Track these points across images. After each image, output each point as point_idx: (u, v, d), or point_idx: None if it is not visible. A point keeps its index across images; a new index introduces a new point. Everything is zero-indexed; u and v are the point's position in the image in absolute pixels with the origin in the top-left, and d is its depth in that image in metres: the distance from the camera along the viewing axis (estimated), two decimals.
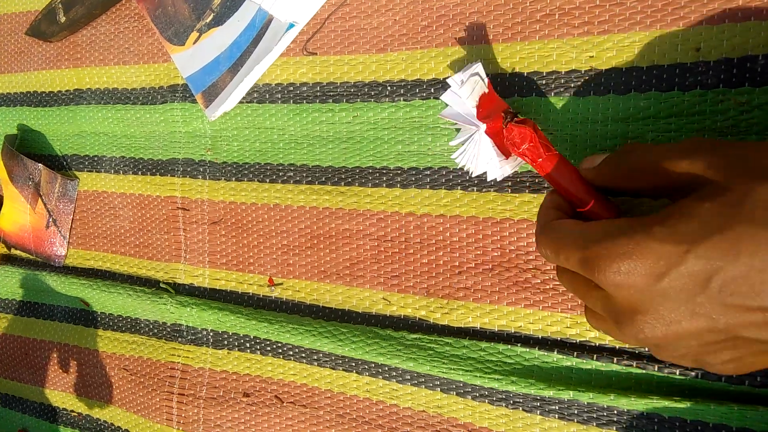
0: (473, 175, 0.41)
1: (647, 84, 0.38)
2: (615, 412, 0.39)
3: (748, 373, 0.36)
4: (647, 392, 0.38)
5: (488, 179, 0.41)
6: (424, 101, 0.45)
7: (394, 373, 0.47)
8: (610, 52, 0.39)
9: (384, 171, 0.47)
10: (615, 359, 0.39)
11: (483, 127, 0.39)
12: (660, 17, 0.37)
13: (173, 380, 0.57)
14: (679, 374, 0.37)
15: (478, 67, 0.40)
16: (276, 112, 0.51)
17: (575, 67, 0.40)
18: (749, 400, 0.36)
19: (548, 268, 0.41)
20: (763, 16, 0.35)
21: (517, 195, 0.42)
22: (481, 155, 0.39)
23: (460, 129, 0.41)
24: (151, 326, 0.59)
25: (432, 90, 0.45)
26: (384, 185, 0.47)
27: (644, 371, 0.38)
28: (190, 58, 0.54)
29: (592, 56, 0.39)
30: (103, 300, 0.61)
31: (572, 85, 0.40)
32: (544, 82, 0.41)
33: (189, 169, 0.56)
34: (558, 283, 0.41)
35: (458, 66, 0.43)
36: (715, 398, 0.37)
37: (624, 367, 0.39)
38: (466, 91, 0.39)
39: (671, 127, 0.37)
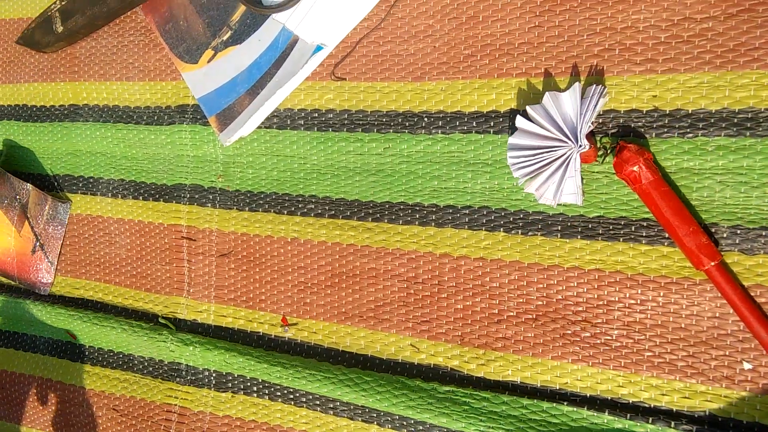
0: (551, 200, 0.38)
1: (716, 128, 0.35)
2: None
3: None
4: None
5: (570, 201, 0.38)
6: (465, 135, 0.42)
7: (420, 428, 0.43)
8: (674, 92, 0.36)
9: (417, 208, 0.44)
10: (672, 423, 0.36)
11: (585, 144, 0.36)
12: (731, 58, 0.35)
13: (169, 423, 0.53)
14: None
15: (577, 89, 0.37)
16: (298, 139, 0.47)
17: (636, 107, 0.37)
18: None
19: (599, 321, 0.38)
20: None
21: (567, 240, 0.39)
22: (569, 176, 0.36)
23: (520, 164, 0.38)
24: (146, 364, 0.54)
25: (474, 123, 0.42)
26: (416, 223, 0.44)
27: None
28: (204, 78, 0.50)
29: (655, 96, 0.37)
30: (93, 333, 0.56)
31: (632, 125, 0.37)
32: (600, 121, 0.38)
33: (197, 196, 0.52)
34: (610, 338, 0.38)
35: (505, 99, 0.41)
36: None
37: None
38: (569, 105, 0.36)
39: (744, 176, 0.35)
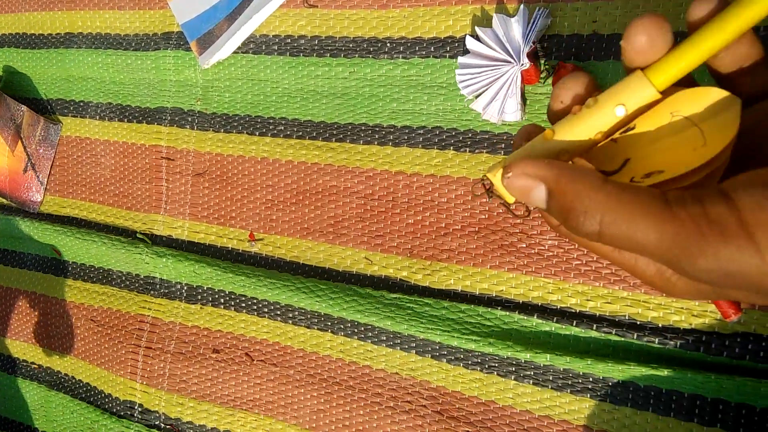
0: (495, 117, 0.40)
1: None
2: (590, 379, 0.39)
3: (727, 344, 0.36)
4: (625, 360, 0.38)
5: (511, 120, 0.41)
6: (423, 59, 0.45)
7: (370, 334, 0.46)
8: (612, 17, 0.39)
9: (377, 128, 0.46)
10: (594, 326, 0.39)
11: (525, 62, 0.38)
12: None
13: (141, 333, 0.56)
14: (658, 343, 0.37)
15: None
16: (271, 63, 0.50)
17: (577, 31, 0.40)
18: (726, 371, 0.36)
19: (535, 233, 0.41)
20: None
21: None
22: (510, 95, 0.39)
23: (467, 82, 0.41)
24: (124, 278, 0.57)
25: (432, 49, 0.44)
26: (376, 143, 0.46)
27: (623, 339, 0.38)
28: (187, 5, 0.53)
29: (595, 21, 0.39)
30: (76, 249, 0.59)
31: (573, 50, 0.40)
32: (546, 45, 0.41)
33: (177, 119, 0.55)
34: (543, 248, 0.41)
35: (461, 25, 0.43)
36: (693, 368, 0.36)
37: (603, 335, 0.39)
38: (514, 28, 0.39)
39: None
